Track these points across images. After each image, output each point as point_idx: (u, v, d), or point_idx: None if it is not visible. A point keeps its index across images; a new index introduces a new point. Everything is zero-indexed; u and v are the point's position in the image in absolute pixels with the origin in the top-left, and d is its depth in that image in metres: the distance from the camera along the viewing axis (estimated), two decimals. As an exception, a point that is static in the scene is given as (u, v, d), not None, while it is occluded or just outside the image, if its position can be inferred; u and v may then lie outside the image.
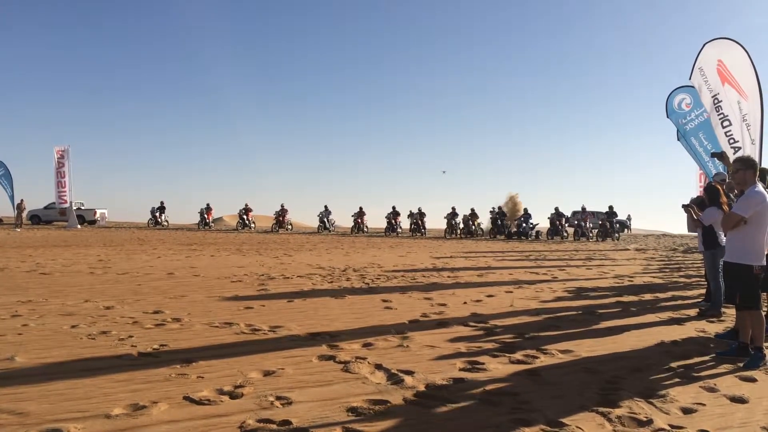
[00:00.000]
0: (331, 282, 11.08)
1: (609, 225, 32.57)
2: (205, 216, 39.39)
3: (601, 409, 3.96)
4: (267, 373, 4.75)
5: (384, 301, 8.81)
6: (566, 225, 34.22)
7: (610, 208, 33.32)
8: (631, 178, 77.89)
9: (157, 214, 40.19)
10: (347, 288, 10.27)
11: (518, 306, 8.53)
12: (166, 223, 40.71)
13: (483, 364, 5.16)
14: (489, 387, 4.47)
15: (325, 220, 38.13)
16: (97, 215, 40.78)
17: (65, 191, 36.79)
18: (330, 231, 38.05)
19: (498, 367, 5.08)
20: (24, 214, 36.75)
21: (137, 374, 4.67)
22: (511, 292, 10.09)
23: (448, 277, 12.39)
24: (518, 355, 5.49)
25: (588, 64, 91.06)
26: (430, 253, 20.06)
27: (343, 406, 3.96)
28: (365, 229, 37.41)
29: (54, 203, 38.33)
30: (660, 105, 17.57)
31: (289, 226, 38.98)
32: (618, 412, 3.92)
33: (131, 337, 6.03)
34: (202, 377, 4.61)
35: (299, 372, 4.83)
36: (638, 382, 4.68)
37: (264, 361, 5.17)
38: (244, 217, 39.04)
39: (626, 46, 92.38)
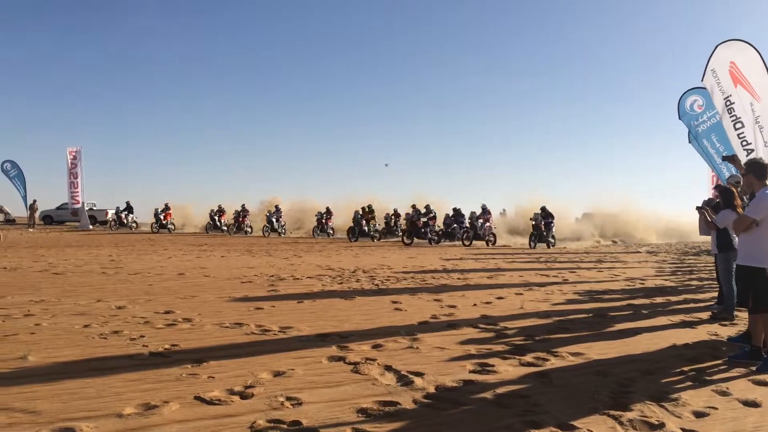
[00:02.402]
0: (341, 283, 11.10)
1: (544, 227, 26.60)
2: (161, 218, 34.74)
3: (612, 412, 3.93)
4: (277, 374, 4.77)
5: (393, 302, 8.81)
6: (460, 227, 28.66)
7: (543, 209, 27.31)
8: (640, 180, 77.05)
9: (123, 215, 36.84)
10: (357, 289, 10.27)
11: (528, 308, 8.50)
12: (134, 225, 37.14)
13: (493, 366, 5.15)
14: (499, 389, 4.46)
15: (273, 221, 33.49)
16: (109, 216, 40.98)
17: (78, 192, 37.13)
18: (281, 234, 33.69)
19: (508, 370, 5.07)
20: (37, 215, 37.09)
21: (148, 374, 4.69)
22: (521, 294, 10.06)
23: (458, 278, 12.37)
24: (528, 358, 5.48)
25: (595, 66, 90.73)
26: (440, 255, 20.05)
27: (353, 407, 3.96)
28: (330, 232, 32.80)
29: (66, 204, 38.63)
30: (671, 106, 17.51)
31: (249, 229, 34.58)
32: (629, 415, 3.89)
33: (143, 336, 6.07)
34: (213, 377, 4.63)
35: (309, 373, 4.84)
36: (650, 385, 4.65)
37: (274, 361, 5.18)
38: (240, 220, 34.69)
39: (635, 46, 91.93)
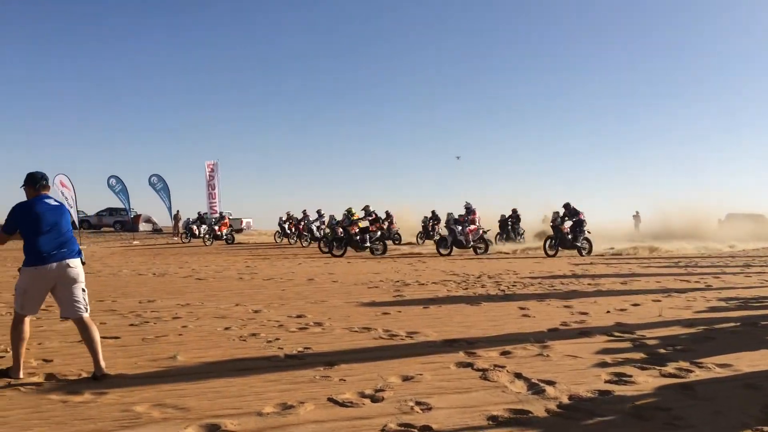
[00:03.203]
0: (466, 288, 11.03)
1: (571, 231, 21.28)
2: (215, 229, 32.27)
3: (765, 429, 3.61)
4: (406, 378, 4.82)
5: (521, 308, 8.62)
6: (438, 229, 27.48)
7: (566, 206, 21.82)
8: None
9: (194, 226, 33.69)
10: (482, 295, 10.16)
11: (668, 316, 7.99)
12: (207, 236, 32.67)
13: (630, 376, 4.89)
14: (638, 401, 4.23)
15: (313, 228, 29.87)
16: (244, 224, 43.56)
17: (215, 202, 39.67)
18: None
19: (647, 380, 4.79)
20: (180, 224, 40.00)
21: (285, 375, 4.92)
22: (659, 300, 9.47)
23: (588, 284, 11.88)
24: (669, 368, 5.14)
25: (715, 60, 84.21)
26: (569, 260, 19.39)
27: (483, 414, 3.92)
28: (395, 238, 29.32)
29: (206, 213, 41.40)
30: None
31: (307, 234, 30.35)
32: (788, 433, 3.56)
33: (278, 339, 6.37)
34: (344, 380, 4.76)
35: (437, 378, 4.85)
36: (812, 401, 4.22)
37: (402, 366, 5.24)
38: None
39: (746, 40, 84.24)
